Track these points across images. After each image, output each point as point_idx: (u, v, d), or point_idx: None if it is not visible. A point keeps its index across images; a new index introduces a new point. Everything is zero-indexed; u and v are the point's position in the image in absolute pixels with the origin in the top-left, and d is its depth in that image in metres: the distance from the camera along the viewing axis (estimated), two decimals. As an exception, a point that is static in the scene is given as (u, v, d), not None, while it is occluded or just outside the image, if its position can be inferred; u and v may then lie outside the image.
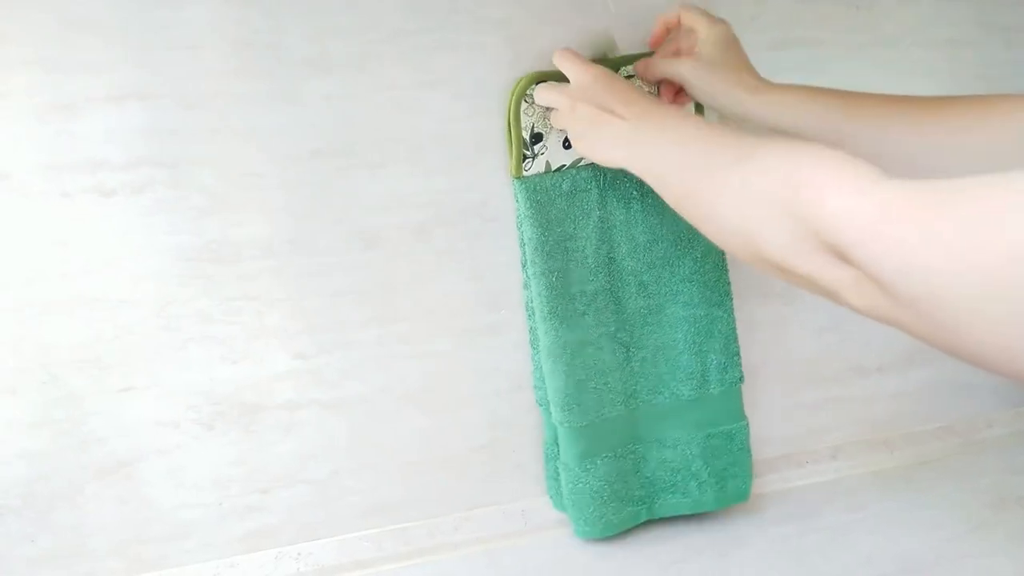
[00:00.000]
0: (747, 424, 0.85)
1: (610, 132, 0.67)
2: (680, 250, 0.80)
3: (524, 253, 0.79)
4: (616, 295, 0.81)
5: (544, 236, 0.77)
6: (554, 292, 0.77)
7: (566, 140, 0.77)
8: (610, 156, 0.68)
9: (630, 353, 0.82)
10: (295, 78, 0.72)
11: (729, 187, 0.54)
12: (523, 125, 0.76)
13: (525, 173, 0.77)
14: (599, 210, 0.79)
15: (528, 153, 0.77)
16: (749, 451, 0.85)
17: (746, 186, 0.52)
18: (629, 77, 0.79)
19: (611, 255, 0.80)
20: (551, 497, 0.88)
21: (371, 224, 0.77)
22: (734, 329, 0.83)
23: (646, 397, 0.83)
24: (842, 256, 0.44)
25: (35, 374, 0.70)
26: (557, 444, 0.83)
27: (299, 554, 0.81)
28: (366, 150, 0.75)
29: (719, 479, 0.84)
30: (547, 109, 0.75)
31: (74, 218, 0.69)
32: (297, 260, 0.75)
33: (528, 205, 0.77)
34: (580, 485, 0.80)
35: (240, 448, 0.77)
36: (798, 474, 0.96)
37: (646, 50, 0.79)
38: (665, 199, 0.63)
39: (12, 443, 0.71)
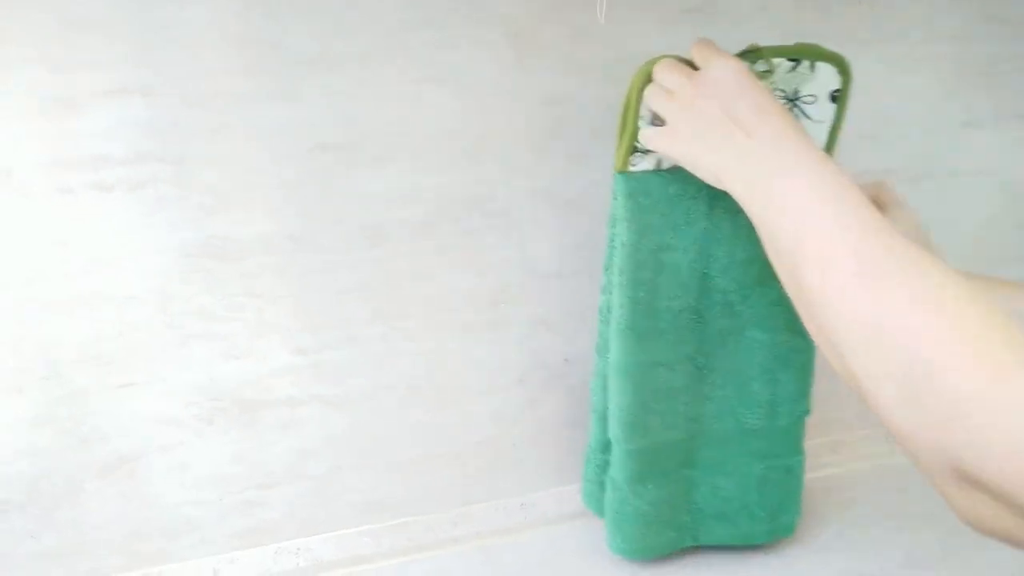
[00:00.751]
0: (804, 458, 0.80)
1: (725, 144, 0.57)
2: (774, 271, 0.69)
3: (611, 256, 0.72)
4: (701, 314, 0.73)
5: (639, 243, 0.69)
6: (638, 306, 0.70)
7: None
8: (714, 171, 0.58)
9: (703, 375, 0.75)
10: (296, 75, 0.71)
11: (847, 298, 0.46)
12: (642, 114, 0.65)
13: (631, 168, 0.68)
14: (705, 221, 0.70)
15: (640, 146, 0.67)
16: (802, 484, 0.81)
17: (871, 314, 0.44)
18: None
19: (706, 271, 0.72)
20: (585, 498, 0.85)
21: (373, 220, 0.77)
22: (812, 360, 0.77)
23: (709, 422, 0.77)
24: (969, 478, 0.38)
25: (37, 371, 0.70)
26: (604, 452, 0.79)
27: (298, 549, 0.81)
28: (368, 146, 0.75)
29: (771, 513, 0.80)
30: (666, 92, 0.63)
31: (75, 214, 0.69)
32: (299, 257, 0.75)
33: (628, 206, 0.68)
34: (626, 506, 0.77)
35: (241, 444, 0.78)
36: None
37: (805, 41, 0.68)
38: (762, 241, 0.55)
39: (15, 440, 0.71)
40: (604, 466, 0.80)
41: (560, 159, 0.80)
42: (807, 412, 0.79)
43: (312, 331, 0.77)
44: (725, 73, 0.58)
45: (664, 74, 0.61)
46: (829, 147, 0.70)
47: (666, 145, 0.62)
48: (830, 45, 0.86)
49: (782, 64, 0.66)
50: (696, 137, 0.58)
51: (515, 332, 0.84)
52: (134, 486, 0.75)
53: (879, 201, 0.67)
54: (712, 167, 0.58)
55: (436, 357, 0.82)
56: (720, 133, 0.56)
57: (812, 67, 0.67)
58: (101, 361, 0.72)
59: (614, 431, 0.75)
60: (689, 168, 0.61)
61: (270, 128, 0.72)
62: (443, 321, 0.81)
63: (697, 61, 0.61)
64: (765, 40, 0.68)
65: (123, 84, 0.67)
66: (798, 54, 0.67)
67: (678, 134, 0.60)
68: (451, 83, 0.75)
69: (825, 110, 0.69)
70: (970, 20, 0.92)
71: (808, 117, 0.69)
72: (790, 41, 0.66)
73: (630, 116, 0.66)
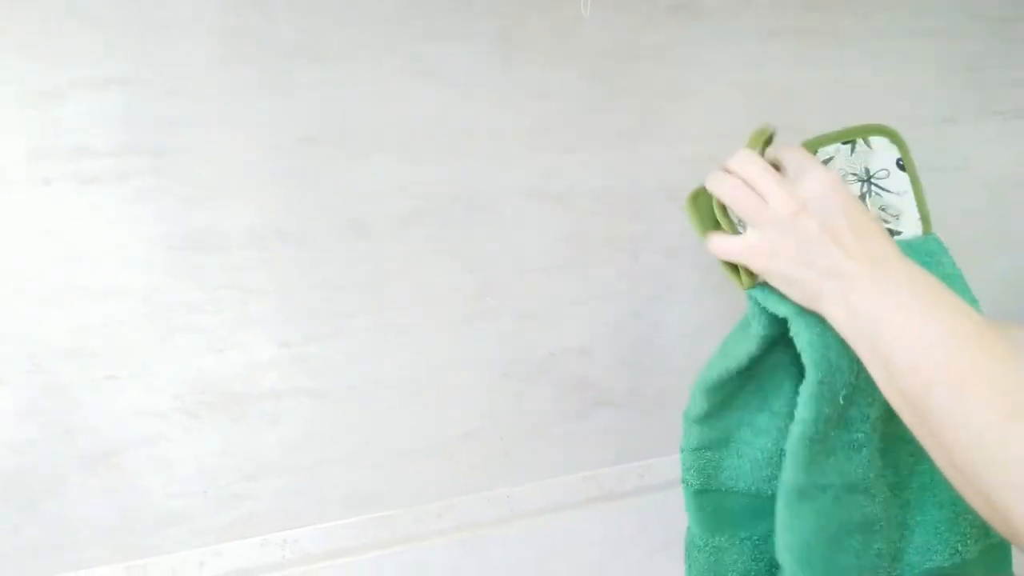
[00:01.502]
0: None
1: (823, 265, 0.53)
2: None
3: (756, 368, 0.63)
4: (894, 420, 0.57)
5: (825, 336, 0.57)
6: (821, 415, 0.57)
7: None
8: (810, 293, 0.54)
9: (901, 498, 0.62)
10: (283, 66, 0.71)
11: (995, 439, 0.42)
12: (724, 223, 0.61)
13: (759, 281, 0.61)
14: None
15: None
16: None
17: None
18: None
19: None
20: None
21: (359, 213, 0.77)
22: None
23: (917, 559, 0.62)
24: None
25: (21, 364, 0.70)
26: None
27: (284, 541, 0.81)
28: (355, 139, 0.75)
29: None
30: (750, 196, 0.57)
31: (58, 206, 0.68)
32: (284, 249, 0.75)
33: (768, 323, 0.60)
34: None
35: (226, 437, 0.78)
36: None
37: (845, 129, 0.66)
38: (864, 361, 0.51)
39: (-2, 433, 0.71)
40: None
41: (546, 154, 0.80)
42: None
43: (297, 324, 0.77)
44: (823, 188, 0.54)
45: (753, 175, 0.57)
46: (924, 215, 0.66)
47: (764, 262, 0.57)
48: (815, 39, 0.88)
49: (840, 149, 0.65)
50: (795, 255, 0.54)
51: (501, 326, 0.84)
52: (119, 479, 0.75)
53: None
54: (809, 288, 0.54)
55: (422, 350, 0.82)
56: (818, 252, 0.53)
57: (867, 143, 0.66)
58: (85, 354, 0.72)
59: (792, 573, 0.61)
60: (781, 287, 0.57)
61: (256, 120, 0.72)
62: (429, 314, 0.81)
63: (788, 168, 0.58)
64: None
65: (106, 75, 0.67)
66: (849, 136, 0.65)
67: (778, 251, 0.55)
68: (438, 77, 0.76)
69: (899, 180, 0.66)
70: (953, 18, 0.93)
71: (889, 191, 0.65)
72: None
73: (727, 226, 0.61)
